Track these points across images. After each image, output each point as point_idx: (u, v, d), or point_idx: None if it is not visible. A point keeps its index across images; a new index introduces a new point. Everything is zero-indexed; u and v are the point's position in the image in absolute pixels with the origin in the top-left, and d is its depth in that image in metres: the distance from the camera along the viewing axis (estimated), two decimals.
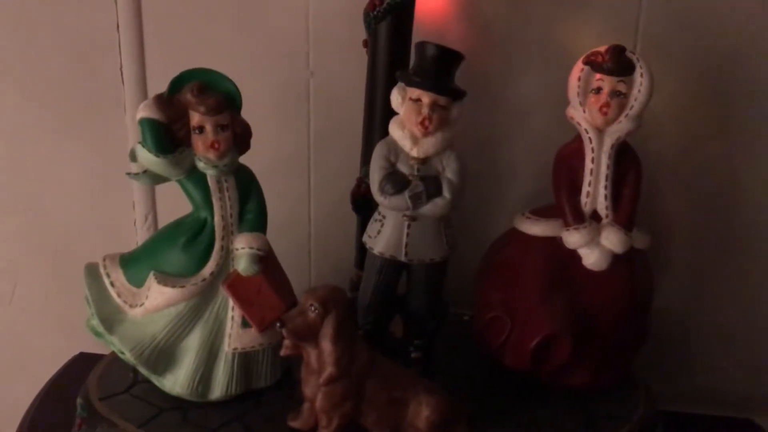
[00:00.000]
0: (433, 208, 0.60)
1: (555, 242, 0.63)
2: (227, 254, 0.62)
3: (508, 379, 0.66)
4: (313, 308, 0.55)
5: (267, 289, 0.62)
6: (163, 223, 0.90)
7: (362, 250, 0.73)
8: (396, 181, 0.59)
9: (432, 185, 0.59)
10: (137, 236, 0.90)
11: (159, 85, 0.83)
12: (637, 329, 0.65)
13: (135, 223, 0.90)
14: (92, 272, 0.64)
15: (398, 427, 0.57)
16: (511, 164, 0.80)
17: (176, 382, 0.62)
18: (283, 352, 0.58)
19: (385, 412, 0.57)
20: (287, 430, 0.60)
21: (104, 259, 0.64)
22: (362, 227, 0.73)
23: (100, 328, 0.62)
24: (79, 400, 0.66)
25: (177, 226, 0.63)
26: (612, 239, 0.61)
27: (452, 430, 0.58)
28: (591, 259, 0.62)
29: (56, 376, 0.84)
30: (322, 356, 0.55)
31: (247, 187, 0.63)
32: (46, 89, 0.85)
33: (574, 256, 0.63)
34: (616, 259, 0.62)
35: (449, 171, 0.60)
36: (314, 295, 0.56)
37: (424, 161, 0.60)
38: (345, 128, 0.80)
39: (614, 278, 0.62)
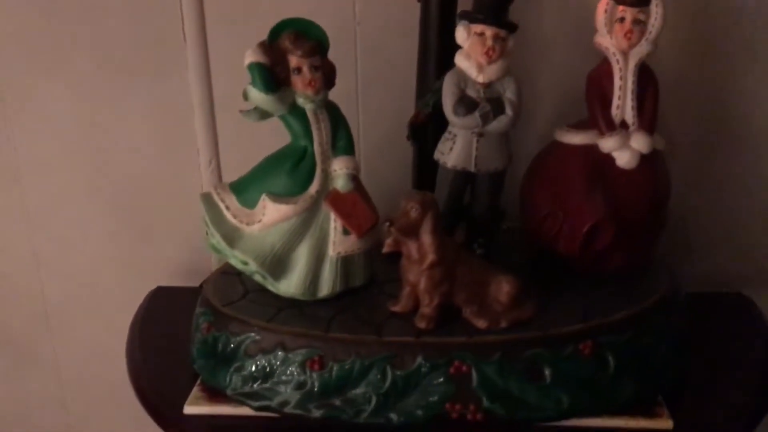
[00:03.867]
0: (498, 124, 0.72)
1: (591, 149, 0.76)
2: (326, 176, 0.73)
3: (556, 268, 0.79)
4: (414, 209, 0.68)
5: (361, 202, 0.74)
6: (225, 166, 1.00)
7: (421, 172, 0.86)
8: (467, 104, 0.72)
9: (497, 105, 0.72)
10: (202, 180, 1.00)
11: (218, 43, 0.93)
12: (659, 218, 0.79)
13: (200, 167, 1.00)
14: (208, 200, 0.74)
15: (483, 302, 0.71)
16: (536, 93, 0.92)
17: (290, 284, 0.74)
18: (385, 250, 0.71)
19: (472, 291, 0.70)
20: (388, 315, 0.73)
21: (216, 188, 0.75)
22: (419, 153, 0.86)
23: (222, 245, 0.73)
24: (200, 310, 0.77)
25: (280, 156, 0.74)
26: (640, 142, 0.75)
27: (524, 303, 0.71)
28: (623, 159, 0.75)
29: (143, 308, 0.94)
30: (422, 248, 0.68)
31: (336, 119, 0.74)
32: (114, 51, 0.93)
33: (608, 159, 0.76)
34: (642, 159, 0.76)
35: (509, 92, 0.73)
36: (414, 199, 0.68)
37: (488, 86, 0.72)
38: (388, 71, 0.92)
39: (641, 175, 0.76)
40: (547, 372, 0.67)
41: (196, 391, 0.74)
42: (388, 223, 0.67)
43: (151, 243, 1.03)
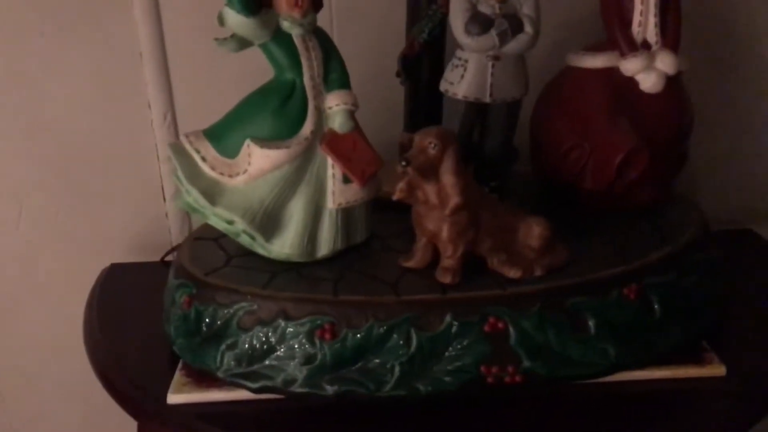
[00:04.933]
0: (517, 44, 0.63)
1: (610, 72, 0.69)
2: (320, 114, 0.63)
3: (576, 208, 0.71)
4: (432, 145, 0.58)
5: (362, 143, 0.64)
6: (183, 120, 0.88)
7: (415, 112, 0.76)
8: (481, 22, 0.62)
9: (515, 22, 0.63)
10: (156, 137, 0.87)
11: None
12: (683, 147, 0.72)
13: (152, 123, 0.87)
14: (179, 151, 0.63)
15: (511, 250, 0.62)
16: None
17: (285, 244, 0.63)
18: (396, 197, 0.61)
19: (498, 238, 0.61)
20: (402, 271, 0.63)
21: (188, 136, 0.63)
22: (413, 90, 0.76)
23: (201, 202, 0.62)
24: (176, 282, 0.66)
25: (262, 92, 0.63)
26: (666, 62, 0.67)
27: (556, 247, 0.63)
28: (648, 82, 0.67)
29: (97, 289, 0.82)
30: (444, 190, 0.59)
31: (327, 48, 0.63)
32: None
33: (630, 82, 0.68)
34: (667, 82, 0.68)
35: (527, 7, 0.64)
36: (432, 134, 0.58)
37: (503, 0, 0.63)
38: (365, 4, 0.82)
39: (668, 99, 0.68)
40: (591, 322, 0.60)
41: (179, 376, 0.63)
42: (403, 163, 0.57)
43: (100, 215, 0.91)
